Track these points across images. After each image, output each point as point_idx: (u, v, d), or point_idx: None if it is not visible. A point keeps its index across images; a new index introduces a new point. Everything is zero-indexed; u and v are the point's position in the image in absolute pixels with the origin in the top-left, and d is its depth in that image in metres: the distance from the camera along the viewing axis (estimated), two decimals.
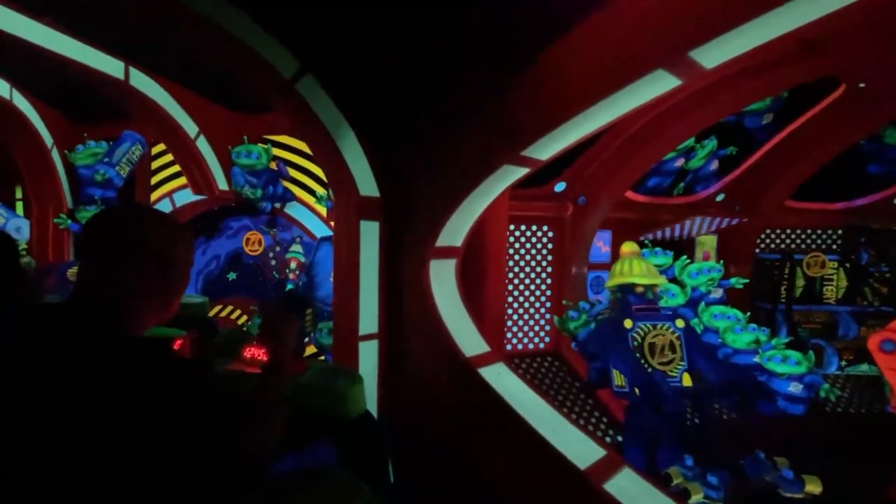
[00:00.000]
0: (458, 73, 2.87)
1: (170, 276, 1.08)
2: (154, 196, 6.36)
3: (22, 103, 5.41)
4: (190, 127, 5.19)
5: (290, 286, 6.06)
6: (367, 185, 3.34)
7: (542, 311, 5.39)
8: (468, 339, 3.06)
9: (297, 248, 5.74)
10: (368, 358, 3.36)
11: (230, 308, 6.06)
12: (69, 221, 6.26)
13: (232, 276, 6.35)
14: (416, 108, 3.07)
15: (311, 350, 5.81)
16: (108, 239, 1.04)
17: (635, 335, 3.77)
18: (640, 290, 3.89)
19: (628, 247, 4.18)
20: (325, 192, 4.98)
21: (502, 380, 2.89)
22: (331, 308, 4.85)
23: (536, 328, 5.38)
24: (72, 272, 5.69)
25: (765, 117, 5.61)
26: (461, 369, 2.91)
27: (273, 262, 6.52)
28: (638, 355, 3.68)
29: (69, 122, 6.29)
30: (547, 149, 2.71)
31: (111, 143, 6.18)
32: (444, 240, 3.23)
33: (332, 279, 4.84)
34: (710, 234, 6.61)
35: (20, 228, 7.17)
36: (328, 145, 3.15)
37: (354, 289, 3.31)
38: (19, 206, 7.22)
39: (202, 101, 5.39)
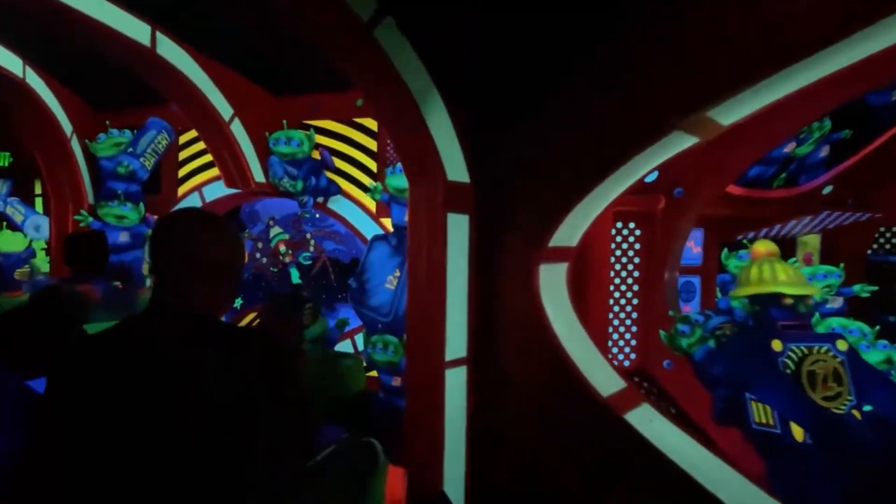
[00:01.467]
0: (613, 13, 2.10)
1: (232, 280, 1.22)
2: (181, 190, 5.74)
3: (37, 83, 4.82)
4: (224, 108, 4.52)
5: (294, 274, 5.47)
6: (457, 167, 2.60)
7: (629, 322, 4.58)
8: (598, 372, 2.31)
9: (276, 229, 5.47)
10: (456, 390, 2.62)
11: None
12: (90, 218, 5.68)
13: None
14: (535, 66, 2.31)
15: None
16: (180, 255, 1.14)
17: (787, 360, 2.96)
18: (788, 301, 3.07)
19: (764, 246, 3.37)
20: (376, 183, 4.27)
21: (654, 428, 2.12)
22: (387, 319, 4.13)
23: (621, 343, 4.58)
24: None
25: (894, 93, 4.72)
26: (601, 416, 2.15)
27: (264, 260, 5.88)
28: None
29: (89, 109, 5.70)
30: (734, 110, 1.94)
31: (135, 131, 5.57)
32: (558, 238, 2.47)
33: (388, 285, 4.13)
34: (812, 233, 5.73)
35: (39, 227, 6.64)
36: (410, 113, 2.41)
37: (439, 300, 2.57)
38: (39, 202, 6.69)
39: (236, 78, 4.72)
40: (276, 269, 5.67)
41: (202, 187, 5.60)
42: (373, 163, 4.94)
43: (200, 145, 5.61)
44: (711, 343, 3.52)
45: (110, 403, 1.01)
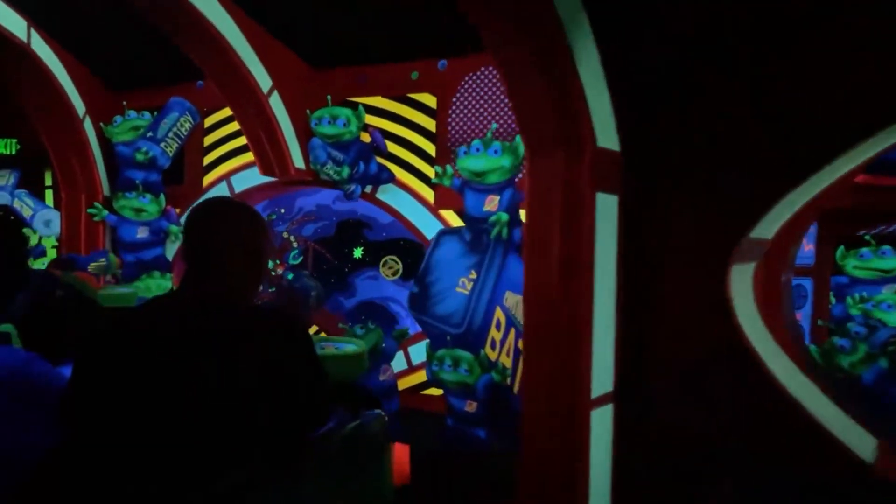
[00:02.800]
0: None
1: (261, 265, 1.26)
2: (207, 180, 5.08)
3: (44, 51, 4.17)
4: (263, 79, 3.84)
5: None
6: (607, 131, 1.88)
7: None
8: (851, 431, 1.57)
9: None
10: (601, 439, 1.90)
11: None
12: (105, 212, 5.06)
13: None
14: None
15: (416, 379, 4.44)
16: (214, 241, 1.20)
17: None
18: None
19: None
20: (444, 168, 3.56)
21: None
22: (458, 331, 3.42)
23: None
24: (95, 266, 4.40)
25: None
26: (859, 482, 1.42)
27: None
28: None
29: (104, 88, 5.07)
30: None
31: (155, 113, 4.93)
32: (758, 230, 1.75)
33: (460, 290, 3.42)
34: None
35: (50, 222, 6.01)
36: (555, 52, 1.69)
37: (581, 315, 1.85)
38: (49, 195, 6.07)
39: (274, 45, 4.04)
40: (273, 289, 5.02)
41: (230, 176, 4.93)
42: (430, 145, 4.24)
43: (229, 128, 4.96)
44: (883, 363, 2.77)
45: (149, 372, 1.06)
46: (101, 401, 1.05)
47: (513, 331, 3.13)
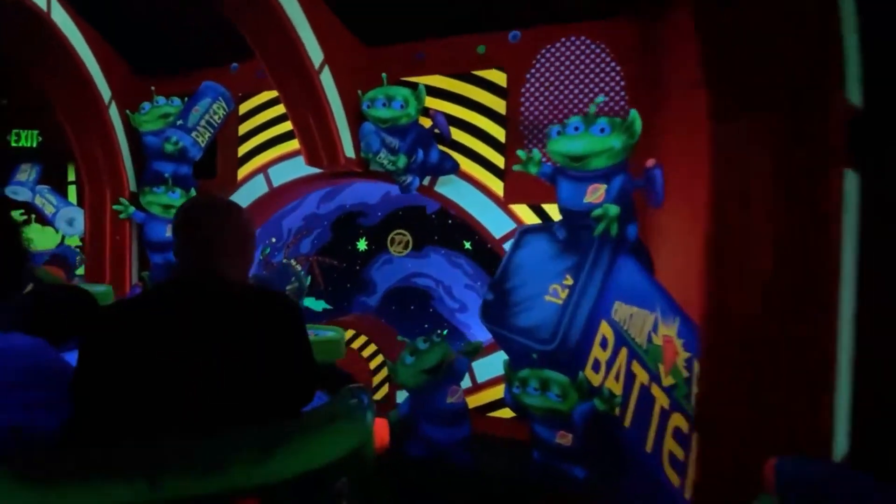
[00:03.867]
0: None
1: (250, 249, 1.35)
2: (242, 172, 4.59)
3: (65, 23, 3.72)
4: (314, 53, 3.33)
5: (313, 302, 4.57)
6: (853, 81, 1.30)
7: None
8: None
9: None
10: None
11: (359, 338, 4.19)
12: (132, 209, 4.61)
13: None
14: None
15: (482, 399, 3.88)
16: (207, 230, 1.27)
17: None
18: None
19: None
20: (529, 153, 2.96)
21: None
22: (548, 347, 2.85)
23: None
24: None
25: None
26: None
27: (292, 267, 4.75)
28: None
29: (132, 72, 4.62)
30: None
31: (186, 99, 4.47)
32: None
33: (551, 298, 2.85)
34: None
35: (73, 220, 5.62)
36: None
37: (822, 342, 1.27)
38: (72, 191, 5.67)
39: (329, 18, 3.52)
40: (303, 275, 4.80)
41: (268, 168, 4.44)
42: (499, 129, 3.68)
43: (267, 115, 4.47)
44: None
45: (155, 355, 1.11)
46: (109, 384, 1.10)
47: (624, 351, 2.56)
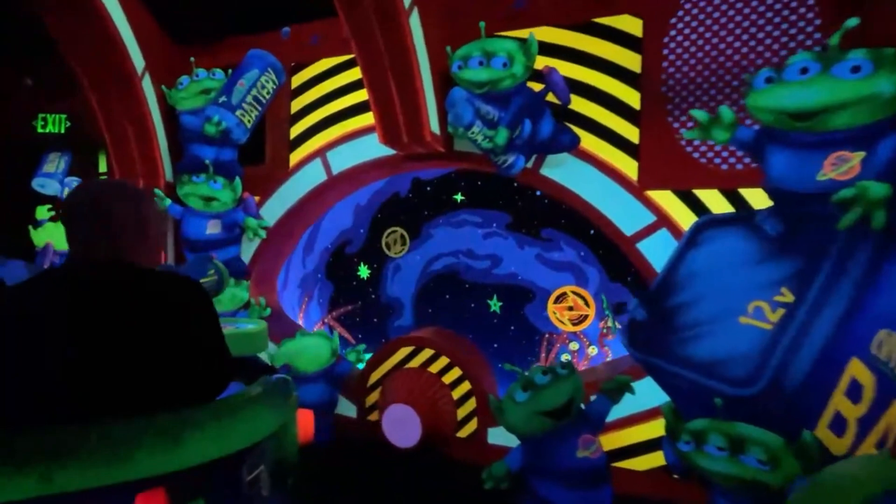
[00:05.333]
0: None
1: (148, 231, 1.24)
2: (295, 157, 3.86)
3: None
4: None
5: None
6: None
7: None
8: None
9: None
10: None
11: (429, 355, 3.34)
12: (168, 201, 3.95)
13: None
14: None
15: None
16: (100, 211, 1.19)
17: None
18: None
19: None
20: (714, 115, 2.01)
21: None
22: (747, 391, 1.96)
23: None
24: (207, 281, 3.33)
25: None
26: None
27: None
28: None
29: (169, 41, 3.96)
30: None
31: (230, 71, 3.78)
32: None
33: (749, 320, 1.98)
34: None
35: None
36: None
37: None
38: None
39: None
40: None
41: (325, 152, 3.69)
42: (631, 92, 2.82)
43: (324, 88, 3.72)
44: None
45: (44, 342, 1.05)
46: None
47: (895, 404, 1.68)
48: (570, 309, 3.47)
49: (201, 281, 3.21)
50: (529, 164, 3.01)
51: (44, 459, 0.86)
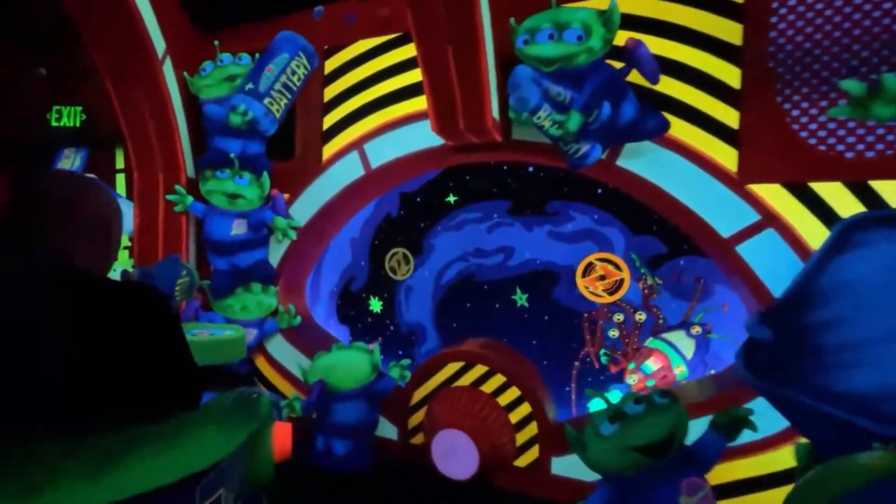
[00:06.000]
0: None
1: (103, 236, 1.15)
2: (329, 150, 3.50)
3: None
4: None
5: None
6: None
7: None
8: None
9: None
10: None
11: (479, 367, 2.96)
12: (190, 199, 3.62)
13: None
14: None
15: None
16: (51, 212, 1.10)
17: None
18: None
19: None
20: (875, 83, 1.60)
21: None
22: None
23: None
24: (181, 287, 2.98)
25: None
26: None
27: None
28: None
29: (191, 25, 3.62)
30: None
31: (257, 56, 3.43)
32: None
33: None
34: None
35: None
36: None
37: None
38: (121, 181, 4.78)
39: None
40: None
41: (363, 143, 3.32)
42: (730, 69, 2.40)
43: (361, 73, 3.35)
44: None
45: None
46: None
47: None
48: (602, 278, 3.10)
49: (177, 282, 2.92)
50: (604, 156, 2.61)
51: None
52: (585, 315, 3.19)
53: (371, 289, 3.78)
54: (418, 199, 3.57)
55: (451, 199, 3.46)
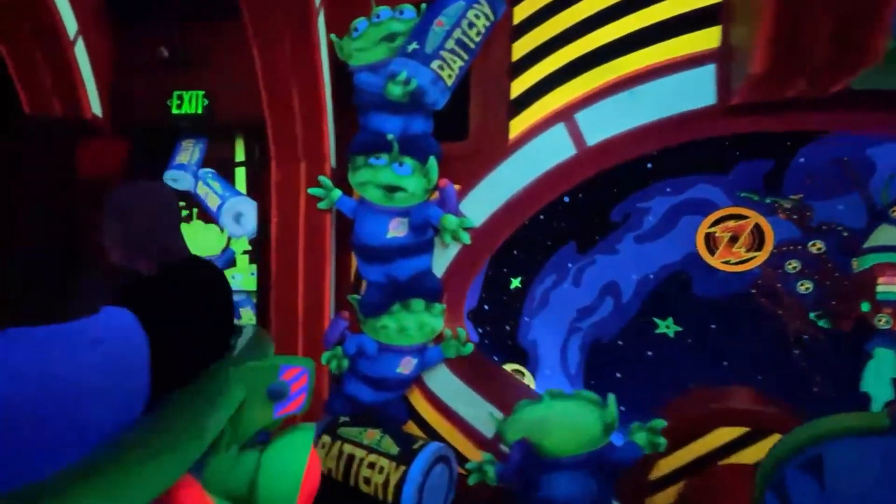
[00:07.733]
0: None
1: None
2: (518, 126, 2.65)
3: None
4: None
5: None
6: None
7: None
8: None
9: None
10: None
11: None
12: (337, 193, 2.92)
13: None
14: None
15: None
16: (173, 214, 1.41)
17: None
18: None
19: None
20: None
21: None
22: None
23: None
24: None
25: None
26: None
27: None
28: None
29: None
30: None
31: (423, 7, 2.66)
32: None
33: None
34: None
35: (241, 216, 4.12)
36: None
37: None
38: (240, 174, 4.22)
39: None
40: None
41: (574, 114, 2.44)
42: None
43: (565, 20, 2.48)
44: None
45: None
46: None
47: None
48: (734, 240, 2.52)
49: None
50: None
51: None
52: (753, 291, 2.46)
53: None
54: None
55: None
